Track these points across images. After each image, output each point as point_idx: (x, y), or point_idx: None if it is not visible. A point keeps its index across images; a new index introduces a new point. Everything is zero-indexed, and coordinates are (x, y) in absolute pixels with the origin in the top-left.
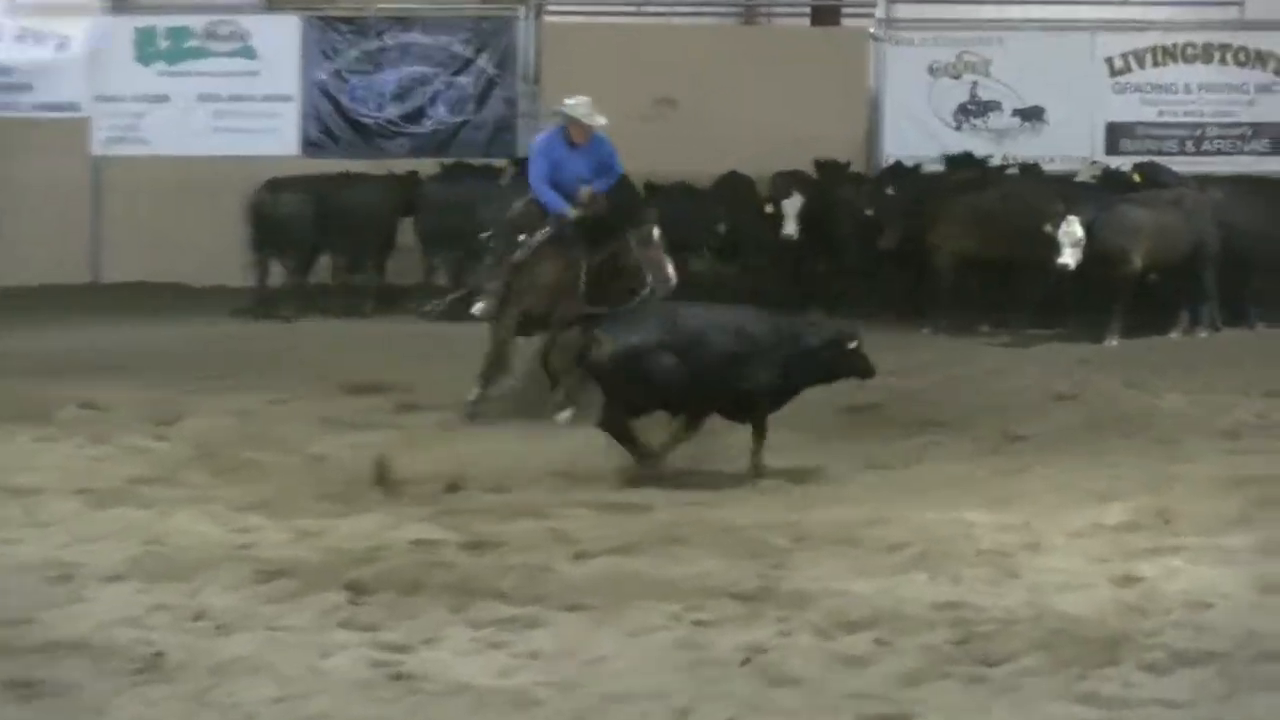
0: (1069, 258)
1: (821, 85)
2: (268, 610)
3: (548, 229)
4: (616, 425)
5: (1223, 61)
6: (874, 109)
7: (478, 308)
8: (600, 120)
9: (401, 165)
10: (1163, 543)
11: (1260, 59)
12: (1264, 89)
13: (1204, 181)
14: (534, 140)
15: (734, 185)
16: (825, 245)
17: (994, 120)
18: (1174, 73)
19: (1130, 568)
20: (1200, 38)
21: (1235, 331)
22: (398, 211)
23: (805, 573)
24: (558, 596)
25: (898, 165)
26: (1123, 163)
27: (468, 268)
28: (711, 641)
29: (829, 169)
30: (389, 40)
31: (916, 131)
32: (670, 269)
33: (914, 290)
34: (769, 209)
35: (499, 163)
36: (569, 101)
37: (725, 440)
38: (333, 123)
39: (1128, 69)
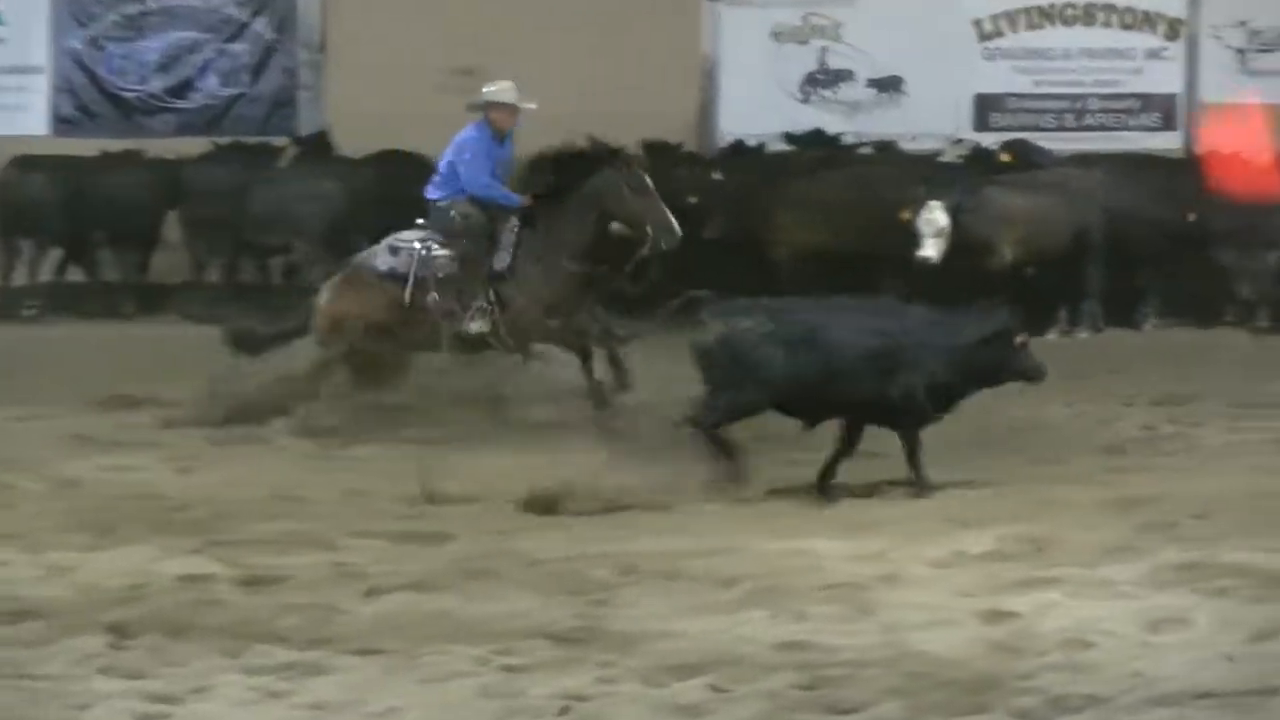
0: (931, 249)
1: (649, 53)
2: (18, 656)
3: (514, 225)
4: (710, 422)
5: (1106, 24)
6: (710, 80)
7: (475, 325)
8: (531, 104)
9: (167, 146)
10: (1037, 574)
11: (1149, 21)
12: (1153, 55)
13: (1085, 161)
14: (462, 138)
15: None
16: None
17: (846, 91)
18: (1051, 37)
19: (1000, 602)
20: None
21: (1121, 332)
22: (163, 199)
23: (630, 611)
24: (345, 639)
25: (738, 145)
26: (993, 140)
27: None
28: (523, 689)
29: (658, 151)
30: (152, 3)
31: (758, 105)
32: (672, 218)
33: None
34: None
35: (278, 142)
36: (491, 88)
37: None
38: (88, 97)
39: (999, 33)
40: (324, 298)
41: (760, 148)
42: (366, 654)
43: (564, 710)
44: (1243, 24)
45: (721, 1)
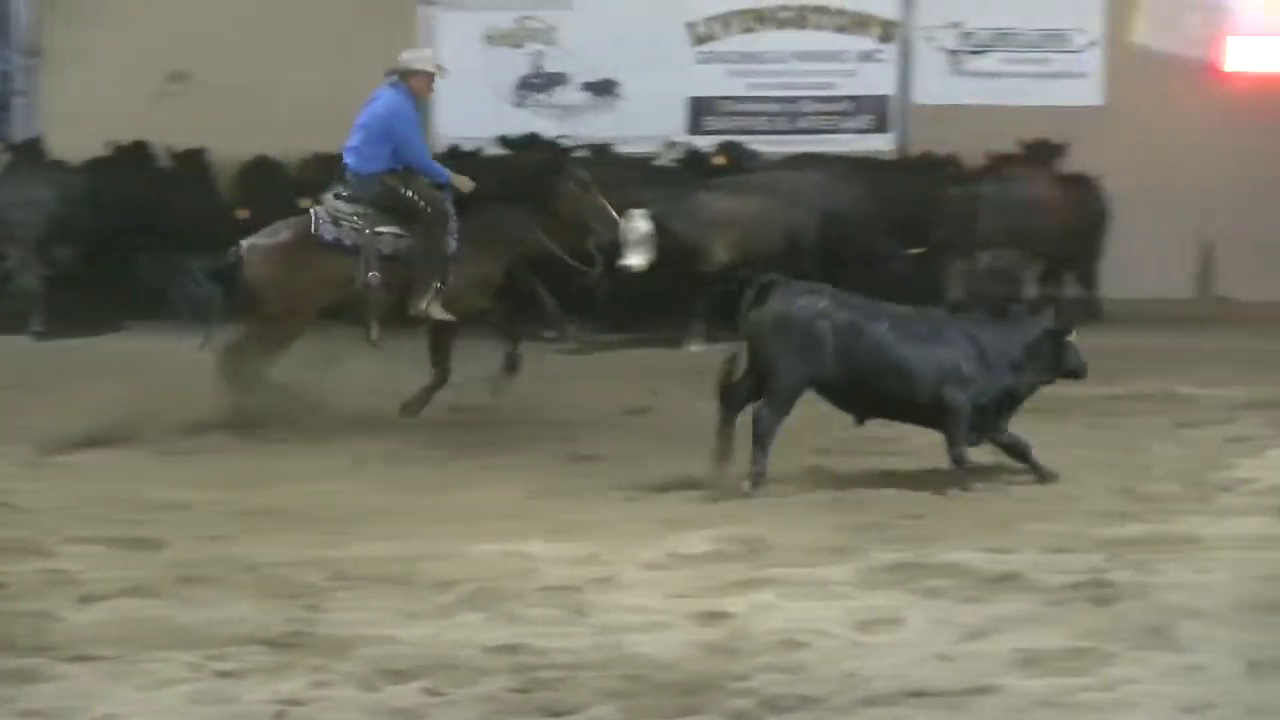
0: (634, 258)
1: (364, 57)
2: None
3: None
4: (770, 422)
5: (820, 27)
6: None
7: (436, 309)
8: (448, 71)
9: None
10: (751, 575)
11: (862, 24)
12: (867, 58)
13: (800, 163)
14: (393, 109)
15: (261, 171)
16: None
17: (560, 95)
18: (765, 40)
19: (714, 604)
20: (795, 0)
21: None
22: None
23: (344, 616)
24: (62, 646)
25: (453, 150)
26: (707, 143)
27: None
28: (237, 695)
29: None
30: None
31: (473, 109)
32: (614, 213)
33: None
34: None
35: None
36: (409, 55)
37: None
38: None
39: (712, 36)
40: (270, 269)
41: (476, 152)
42: (83, 660)
43: (279, 715)
44: (955, 26)
45: (436, 5)
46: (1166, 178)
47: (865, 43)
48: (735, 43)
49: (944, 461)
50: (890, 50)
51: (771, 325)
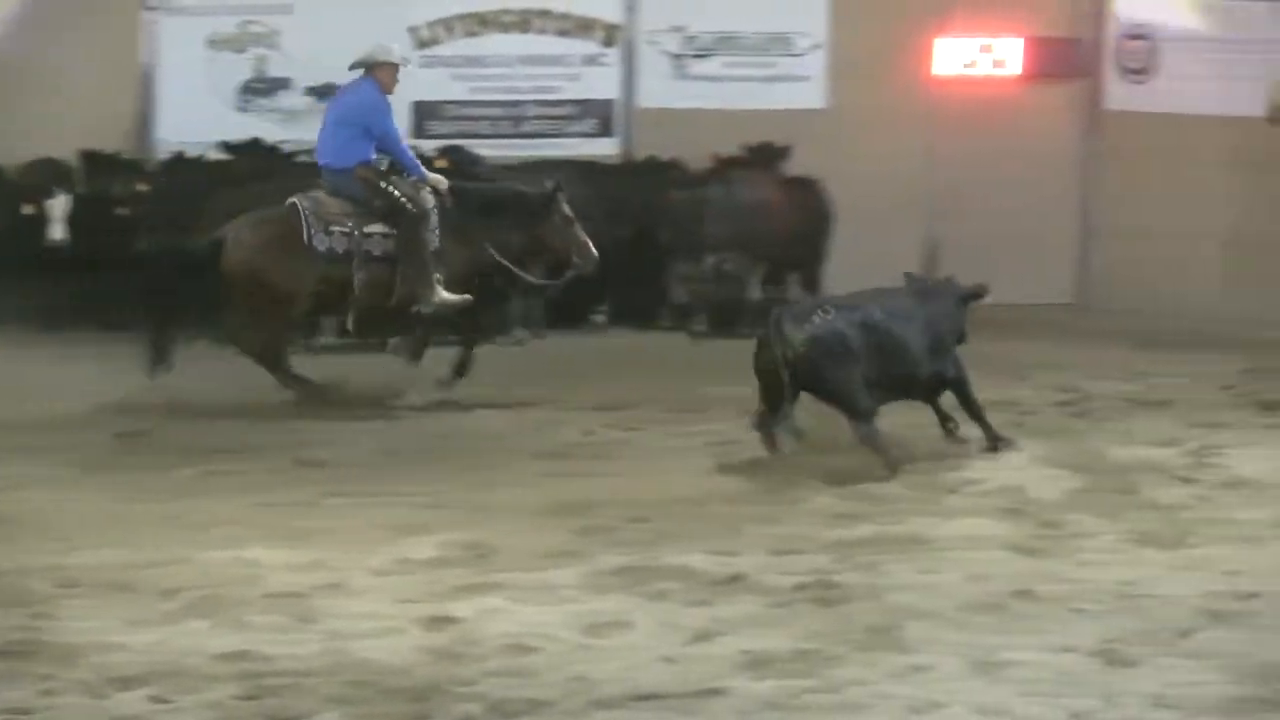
0: None
1: (88, 62)
2: None
3: (433, 207)
4: (866, 411)
5: (543, 31)
6: (147, 88)
7: (445, 294)
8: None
9: None
10: (478, 580)
11: (586, 28)
12: (591, 61)
13: (531, 168)
14: (369, 101)
15: None
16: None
17: (284, 100)
18: (489, 44)
19: (442, 609)
20: (518, 4)
21: (562, 337)
22: None
23: (72, 623)
24: None
25: (178, 155)
26: (430, 147)
27: None
28: None
29: (97, 161)
30: None
31: (196, 114)
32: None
33: None
34: (27, 209)
35: None
36: (375, 48)
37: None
38: None
39: (436, 40)
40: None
41: (199, 158)
42: None
43: None
44: (679, 30)
45: (159, 10)
46: (890, 180)
47: (589, 47)
48: (459, 47)
49: (666, 465)
50: (614, 54)
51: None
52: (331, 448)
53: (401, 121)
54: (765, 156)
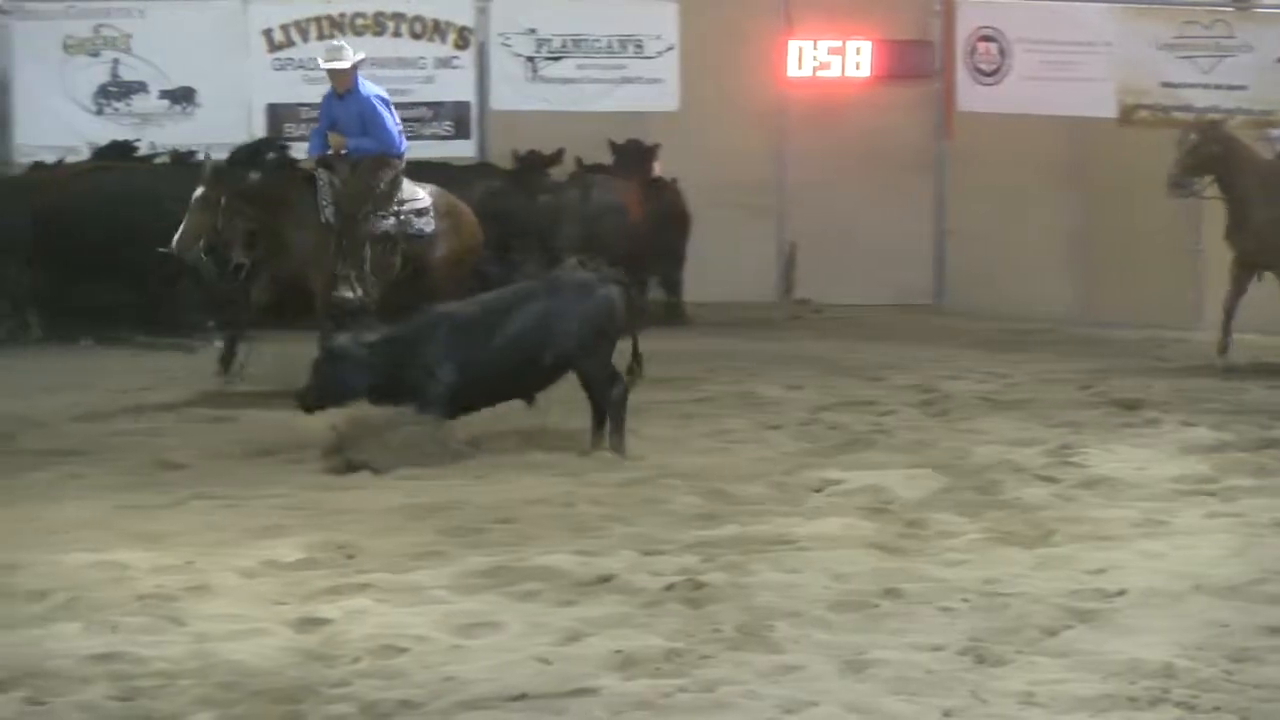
0: None
1: None
2: None
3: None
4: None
5: (397, 34)
6: (4, 94)
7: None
8: (339, 64)
9: None
10: (346, 581)
11: (439, 31)
12: (444, 64)
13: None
14: (378, 93)
15: None
16: None
17: (139, 103)
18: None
19: (311, 610)
20: (371, 7)
21: None
22: None
23: None
24: None
25: (39, 163)
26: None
27: None
28: None
29: None
30: None
31: (51, 119)
32: None
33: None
34: None
35: None
36: (337, 47)
37: None
38: None
39: (289, 43)
40: None
41: (59, 162)
42: None
43: None
44: (531, 32)
45: (10, 15)
46: (745, 182)
47: (443, 49)
48: (313, 49)
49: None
50: (467, 57)
51: None
52: (191, 448)
53: (256, 124)
54: (632, 157)
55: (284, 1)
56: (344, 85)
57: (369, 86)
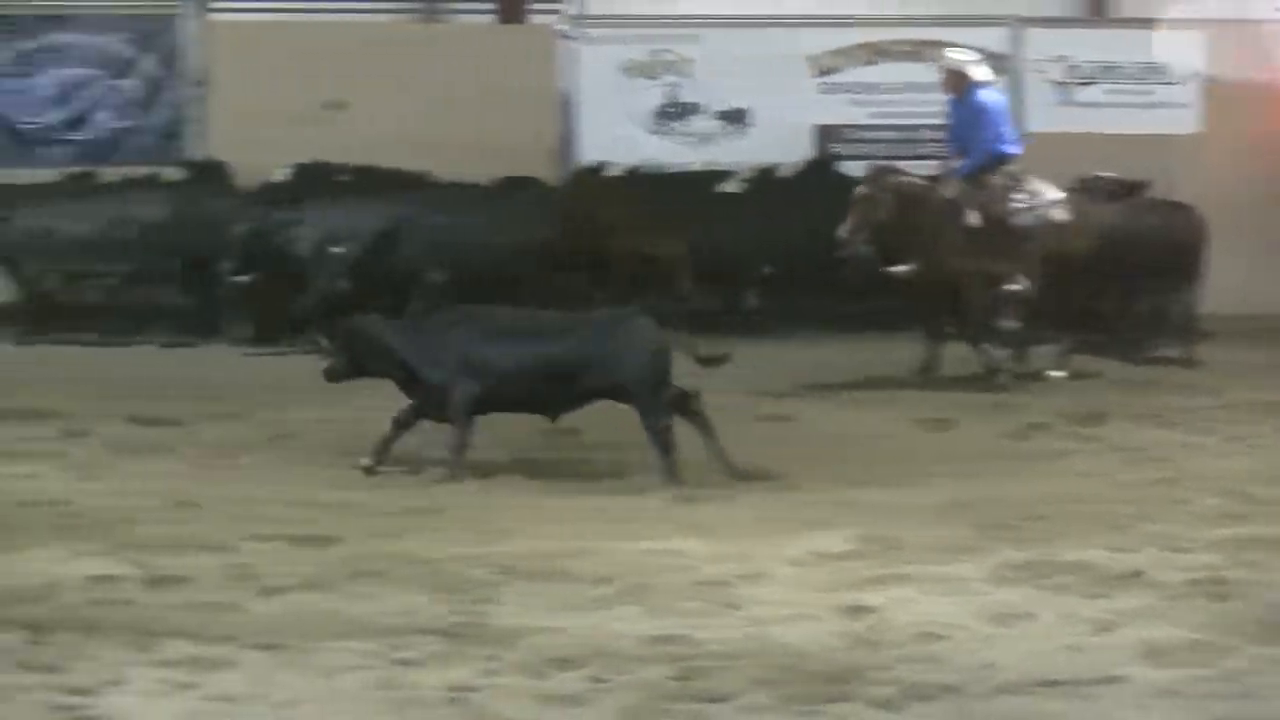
0: None
1: (507, 87)
2: None
3: None
4: None
5: (934, 60)
6: (569, 113)
7: None
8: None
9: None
10: (889, 571)
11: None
12: None
13: None
14: None
15: None
16: None
17: (695, 124)
18: (883, 72)
19: (857, 598)
20: (912, 35)
21: None
22: None
23: (510, 608)
24: (245, 635)
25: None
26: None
27: None
28: (414, 681)
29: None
30: (43, 41)
31: (613, 137)
32: None
33: None
34: None
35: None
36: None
37: None
38: None
39: (835, 68)
40: None
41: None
42: (266, 649)
43: (452, 701)
44: (1063, 59)
45: (580, 40)
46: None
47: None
48: (855, 74)
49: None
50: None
51: None
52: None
53: (806, 144)
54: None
55: (832, 29)
56: (953, 88)
57: (987, 95)
